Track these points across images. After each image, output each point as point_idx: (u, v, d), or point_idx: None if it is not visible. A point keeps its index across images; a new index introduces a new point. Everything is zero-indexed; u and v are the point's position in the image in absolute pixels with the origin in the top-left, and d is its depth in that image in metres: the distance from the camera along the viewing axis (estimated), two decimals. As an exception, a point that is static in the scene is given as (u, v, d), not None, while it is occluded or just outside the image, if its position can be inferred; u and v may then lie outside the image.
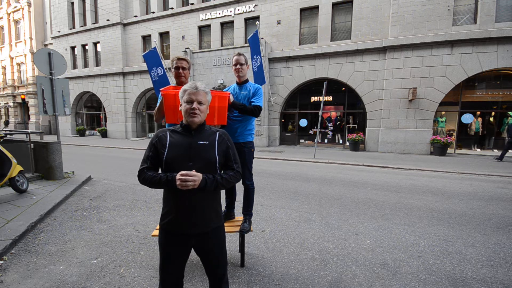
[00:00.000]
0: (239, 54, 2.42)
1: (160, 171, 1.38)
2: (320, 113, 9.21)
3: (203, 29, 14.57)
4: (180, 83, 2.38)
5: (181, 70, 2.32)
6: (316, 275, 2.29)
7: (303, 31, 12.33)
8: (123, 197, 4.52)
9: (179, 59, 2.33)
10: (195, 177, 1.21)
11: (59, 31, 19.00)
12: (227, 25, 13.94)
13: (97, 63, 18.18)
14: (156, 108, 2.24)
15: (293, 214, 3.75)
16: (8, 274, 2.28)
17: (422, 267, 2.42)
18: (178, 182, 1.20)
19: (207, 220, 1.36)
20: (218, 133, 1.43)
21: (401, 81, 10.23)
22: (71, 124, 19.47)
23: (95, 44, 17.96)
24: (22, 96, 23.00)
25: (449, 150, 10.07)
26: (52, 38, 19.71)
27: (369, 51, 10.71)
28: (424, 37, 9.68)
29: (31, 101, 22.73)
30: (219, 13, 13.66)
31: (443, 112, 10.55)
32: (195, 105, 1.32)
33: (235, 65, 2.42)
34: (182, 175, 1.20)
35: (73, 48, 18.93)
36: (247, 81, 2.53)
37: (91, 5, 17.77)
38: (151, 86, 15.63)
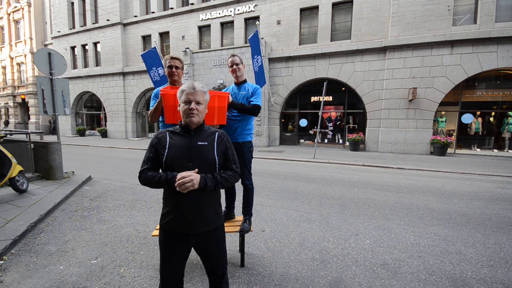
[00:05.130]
0: (233, 55, 2.46)
1: (160, 172, 1.38)
2: (320, 113, 9.21)
3: (203, 29, 14.57)
4: (173, 82, 2.39)
5: (174, 69, 2.32)
6: (316, 275, 2.29)
7: (303, 31, 12.33)
8: (123, 197, 4.52)
9: (172, 58, 2.34)
10: (192, 177, 1.21)
11: (59, 31, 19.00)
12: (227, 25, 13.94)
13: (97, 63, 18.18)
14: (153, 108, 2.24)
15: (293, 214, 3.75)
16: (8, 274, 2.28)
17: (422, 267, 2.42)
18: (177, 188, 1.20)
19: (207, 220, 1.36)
20: (217, 133, 1.43)
21: (401, 81, 10.23)
22: (71, 124, 19.46)
23: (95, 44, 17.96)
24: (22, 96, 22.99)
25: (449, 150, 10.06)
26: (52, 38, 19.71)
27: (369, 51, 10.71)
28: (424, 37, 9.68)
29: (31, 101, 22.73)
30: (219, 13, 13.66)
31: (443, 112, 10.55)
32: (193, 105, 1.32)
33: (231, 66, 2.45)
34: (179, 178, 1.20)
35: (73, 48, 18.94)
36: (245, 81, 2.55)
37: (91, 5, 17.77)
38: (151, 86, 15.65)
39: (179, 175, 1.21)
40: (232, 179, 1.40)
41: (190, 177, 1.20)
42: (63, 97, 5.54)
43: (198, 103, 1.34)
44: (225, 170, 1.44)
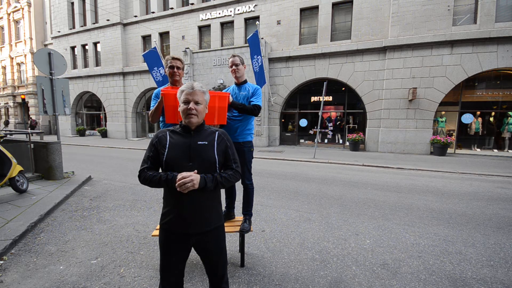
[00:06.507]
0: (234, 56, 2.47)
1: (160, 171, 1.38)
2: (320, 113, 9.21)
3: (203, 29, 14.57)
4: (174, 82, 2.39)
5: (175, 70, 2.33)
6: (316, 275, 2.29)
7: (303, 31, 12.33)
8: (123, 197, 4.52)
9: (173, 58, 2.34)
10: (192, 177, 1.22)
11: (59, 31, 19.00)
12: (227, 25, 13.94)
13: (97, 63, 18.18)
14: (154, 108, 2.25)
15: (293, 214, 3.75)
16: (8, 274, 2.28)
17: (422, 267, 2.42)
18: (178, 188, 1.20)
19: (207, 220, 1.36)
20: (217, 132, 1.43)
21: (401, 81, 10.23)
22: (71, 124, 19.46)
23: (95, 44, 17.95)
24: (22, 96, 23.00)
25: (449, 150, 10.06)
26: (52, 38, 19.71)
27: (369, 51, 10.71)
28: (424, 37, 9.68)
29: (31, 101, 22.73)
30: (219, 13, 13.66)
31: (443, 112, 10.55)
32: (191, 105, 1.32)
33: (231, 66, 2.46)
34: (179, 179, 1.20)
35: (73, 48, 18.94)
36: (245, 81, 2.56)
37: (91, 5, 17.77)
38: (151, 86, 15.66)
39: (180, 175, 1.21)
40: (232, 178, 1.40)
41: (191, 178, 1.21)
42: (63, 97, 5.54)
43: (197, 103, 1.34)
44: (226, 169, 1.44)
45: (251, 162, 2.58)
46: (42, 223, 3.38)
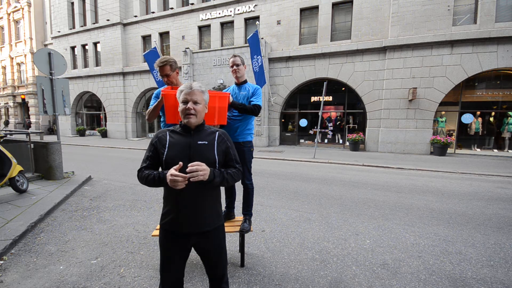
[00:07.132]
0: (235, 56, 2.47)
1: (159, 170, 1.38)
2: (320, 113, 9.21)
3: (203, 29, 14.57)
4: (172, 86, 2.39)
5: (165, 78, 2.28)
6: (316, 275, 2.29)
7: (303, 31, 12.33)
8: (123, 197, 4.52)
9: (160, 67, 2.23)
10: (206, 171, 1.20)
11: (59, 31, 19.00)
12: (227, 25, 13.94)
13: (97, 63, 18.18)
14: (152, 107, 2.25)
15: (293, 214, 3.75)
16: (8, 274, 2.28)
17: (422, 267, 2.42)
18: (188, 175, 1.16)
19: (207, 220, 1.36)
20: (217, 133, 1.43)
21: (401, 81, 10.23)
22: (71, 124, 19.47)
23: (95, 44, 17.95)
24: (22, 96, 23.00)
25: (449, 150, 10.06)
26: (52, 38, 19.71)
27: (369, 51, 10.71)
28: (424, 37, 9.68)
29: (31, 101, 22.73)
30: (219, 13, 13.66)
31: (443, 112, 10.55)
32: (189, 105, 1.31)
33: (232, 66, 2.46)
34: (192, 165, 1.17)
35: (73, 48, 18.93)
36: (245, 81, 2.56)
37: (91, 5, 17.76)
38: (151, 86, 15.66)
39: (193, 163, 1.18)
40: (236, 176, 1.41)
41: (203, 167, 1.19)
42: (63, 97, 5.54)
43: (195, 102, 1.33)
44: (227, 168, 1.44)
45: (251, 162, 2.58)
46: (42, 223, 3.38)
